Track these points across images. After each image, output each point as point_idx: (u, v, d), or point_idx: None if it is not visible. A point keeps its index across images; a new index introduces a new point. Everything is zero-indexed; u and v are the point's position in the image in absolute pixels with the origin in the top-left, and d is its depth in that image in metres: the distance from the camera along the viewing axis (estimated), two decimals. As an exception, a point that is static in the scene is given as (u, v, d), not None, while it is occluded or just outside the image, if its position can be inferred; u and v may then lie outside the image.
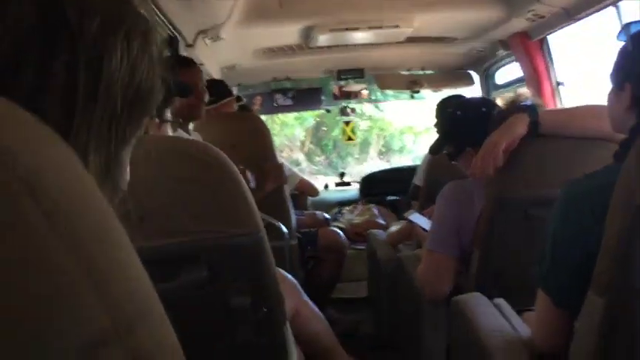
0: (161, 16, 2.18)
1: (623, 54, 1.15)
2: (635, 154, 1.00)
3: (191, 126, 2.37)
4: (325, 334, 1.74)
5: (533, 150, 1.61)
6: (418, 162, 3.68)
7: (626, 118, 1.13)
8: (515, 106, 1.69)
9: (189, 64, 2.22)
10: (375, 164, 7.08)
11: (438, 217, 1.81)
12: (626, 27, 1.17)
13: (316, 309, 1.74)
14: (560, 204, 1.14)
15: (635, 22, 1.22)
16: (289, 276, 1.74)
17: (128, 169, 0.55)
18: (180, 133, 2.06)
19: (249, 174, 2.22)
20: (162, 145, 0.95)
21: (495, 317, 1.35)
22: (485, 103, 1.96)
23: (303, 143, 7.99)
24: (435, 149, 2.03)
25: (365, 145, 7.88)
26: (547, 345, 1.19)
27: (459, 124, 1.91)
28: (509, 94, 2.02)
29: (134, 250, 0.35)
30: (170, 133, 1.25)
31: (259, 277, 1.00)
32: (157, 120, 1.18)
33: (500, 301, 1.47)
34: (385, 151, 7.99)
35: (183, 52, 2.56)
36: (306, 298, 1.73)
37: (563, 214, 1.13)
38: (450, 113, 1.96)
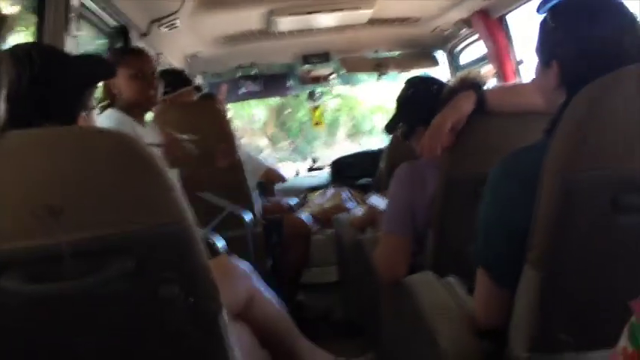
0: (107, 5, 2.13)
1: (545, 29, 1.14)
2: (561, 129, 1.00)
3: (150, 117, 2.33)
4: (282, 319, 1.73)
5: (480, 128, 1.60)
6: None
7: (556, 94, 1.12)
8: (463, 84, 1.68)
9: (140, 53, 2.18)
10: (344, 147, 6.76)
11: (391, 199, 1.81)
12: (544, 2, 1.16)
13: (272, 295, 1.74)
14: (490, 180, 1.14)
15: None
16: (242, 263, 1.73)
17: None
18: (130, 123, 2.03)
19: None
20: (77, 137, 0.93)
21: (443, 295, 1.36)
22: (436, 81, 1.95)
23: (265, 126, 7.48)
24: (389, 127, 2.02)
25: (334, 127, 7.45)
26: (488, 320, 1.19)
27: (410, 101, 1.90)
28: (467, 72, 2.01)
29: None
30: (97, 122, 1.23)
31: (188, 267, 0.98)
32: (84, 114, 1.15)
33: (452, 279, 1.47)
34: (355, 133, 7.61)
35: (138, 41, 2.52)
36: (260, 285, 1.72)
37: (494, 190, 1.13)
38: (403, 91, 1.95)
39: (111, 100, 2.06)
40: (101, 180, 0.92)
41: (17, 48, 1.16)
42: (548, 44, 1.13)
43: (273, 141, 7.43)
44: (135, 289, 0.97)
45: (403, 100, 1.93)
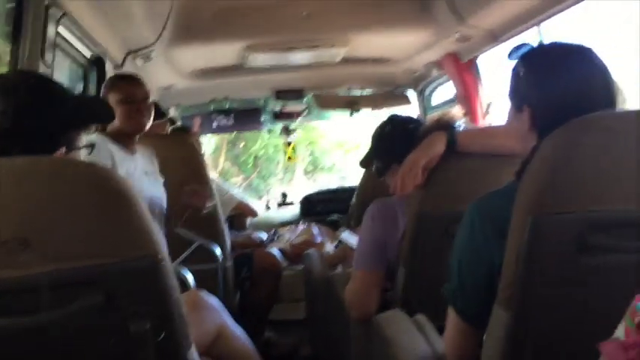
0: (84, 36, 2.13)
1: (516, 76, 1.18)
2: (530, 171, 1.03)
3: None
4: (249, 355, 1.71)
5: (452, 168, 1.64)
6: (347, 182, 3.70)
7: (528, 137, 1.16)
8: (438, 125, 1.72)
9: (132, 79, 2.17)
10: (302, 185, 6.50)
11: (363, 235, 1.82)
12: (515, 49, 1.21)
13: (239, 331, 1.71)
14: (464, 222, 1.16)
15: (522, 45, 1.26)
16: (211, 298, 1.71)
17: None
18: (108, 149, 2.00)
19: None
20: (49, 167, 0.92)
21: (412, 334, 1.36)
22: (413, 120, 1.98)
23: (215, 159, 6.91)
24: (363, 162, 2.05)
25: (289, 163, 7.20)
26: (458, 359, 1.19)
27: (386, 139, 1.93)
28: (440, 113, 2.05)
29: None
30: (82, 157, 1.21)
31: (159, 301, 0.97)
32: (62, 150, 1.13)
33: (420, 317, 1.48)
34: (312, 169, 7.20)
35: (112, 73, 2.51)
36: (228, 320, 1.70)
37: (467, 232, 1.15)
38: (379, 128, 1.98)
39: (102, 127, 2.04)
40: (73, 211, 0.91)
41: (16, 75, 1.15)
42: (519, 90, 1.17)
43: (224, 176, 6.95)
44: (105, 324, 0.95)
45: (379, 137, 1.95)
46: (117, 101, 2.03)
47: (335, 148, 7.32)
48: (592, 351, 1.03)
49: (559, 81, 1.11)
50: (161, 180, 2.21)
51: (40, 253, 0.89)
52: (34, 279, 0.89)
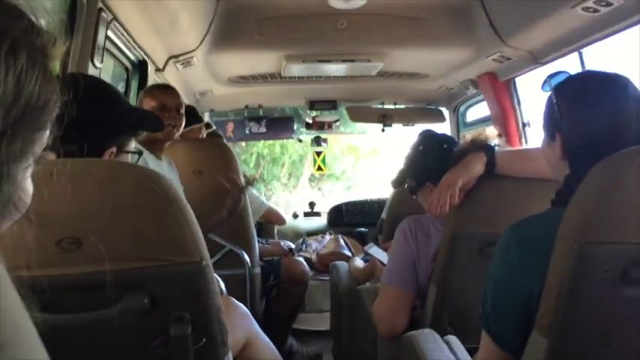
0: (130, 40, 2.18)
1: (550, 106, 1.18)
2: (577, 199, 1.02)
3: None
4: (276, 362, 1.72)
5: (489, 189, 1.63)
6: (353, 192, 3.69)
7: (561, 166, 1.16)
8: (473, 145, 1.72)
9: (167, 88, 2.22)
10: (306, 194, 6.04)
11: (394, 251, 1.82)
12: (548, 79, 1.21)
13: (267, 340, 1.72)
14: (500, 247, 1.16)
15: (557, 73, 1.26)
16: (241, 306, 1.72)
17: (29, 190, 0.53)
18: (149, 157, 2.04)
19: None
20: (105, 170, 0.94)
21: (444, 354, 1.35)
22: (447, 139, 1.97)
23: None
24: (396, 182, 2.04)
25: (296, 166, 6.39)
26: (490, 383, 1.19)
27: (421, 158, 1.92)
28: (473, 133, 2.05)
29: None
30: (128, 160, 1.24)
31: (201, 307, 0.99)
32: (114, 150, 1.16)
33: (452, 337, 1.47)
34: (317, 177, 6.53)
35: (153, 76, 2.56)
36: (257, 328, 1.71)
37: (504, 257, 1.15)
38: (413, 146, 1.97)
39: None
40: (124, 214, 0.94)
41: (74, 74, 1.18)
42: (552, 118, 1.17)
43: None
44: (148, 326, 0.97)
45: (413, 156, 1.94)
46: (151, 108, 2.07)
47: (346, 153, 6.82)
48: (630, 384, 1.02)
49: (590, 111, 1.11)
50: (182, 187, 2.24)
51: (92, 253, 0.92)
52: (84, 278, 0.92)
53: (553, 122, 1.18)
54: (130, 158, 1.24)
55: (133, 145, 1.23)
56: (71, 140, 1.06)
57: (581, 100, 1.13)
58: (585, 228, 0.98)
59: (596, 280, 0.99)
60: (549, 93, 1.21)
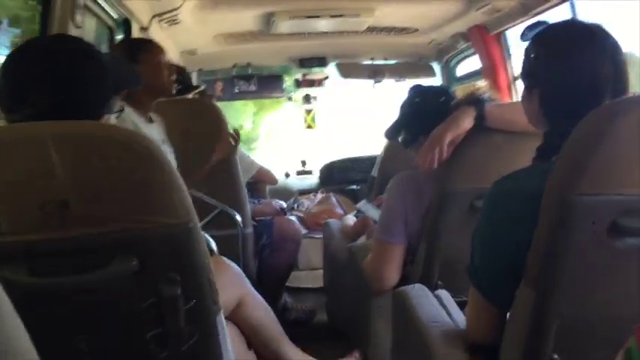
0: (112, -2, 2.13)
1: (528, 57, 1.16)
2: (565, 152, 1.02)
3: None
4: (270, 323, 1.73)
5: (479, 143, 1.63)
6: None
7: (542, 120, 1.16)
8: (470, 99, 1.69)
9: (149, 46, 2.16)
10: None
11: (386, 207, 1.82)
12: (527, 30, 1.19)
13: (260, 298, 1.74)
14: (488, 200, 1.16)
15: (536, 24, 1.24)
16: (234, 265, 1.73)
17: None
18: (132, 118, 2.01)
19: None
20: (87, 132, 0.93)
21: (435, 308, 1.37)
22: (445, 93, 1.93)
23: None
24: (390, 134, 2.01)
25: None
26: (480, 337, 1.20)
27: (416, 111, 1.89)
28: (469, 86, 2.02)
29: None
30: (113, 119, 1.22)
31: (190, 268, 0.99)
32: (108, 116, 1.14)
33: (442, 292, 1.49)
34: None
35: (137, 35, 2.51)
36: (250, 287, 1.72)
37: (492, 211, 1.15)
38: (409, 99, 1.94)
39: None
40: (110, 177, 0.92)
41: (51, 40, 1.15)
42: (531, 71, 1.16)
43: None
44: (137, 288, 0.97)
45: (408, 109, 1.91)
46: (155, 63, 2.02)
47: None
48: (617, 334, 1.04)
49: (569, 66, 1.10)
50: (171, 149, 2.21)
51: (78, 216, 0.91)
52: (72, 241, 0.91)
53: (531, 76, 1.17)
54: (114, 119, 1.22)
55: (117, 105, 1.21)
56: (65, 117, 1.05)
57: (559, 54, 1.12)
58: (574, 180, 0.97)
59: (584, 232, 1.00)
60: (526, 46, 1.19)
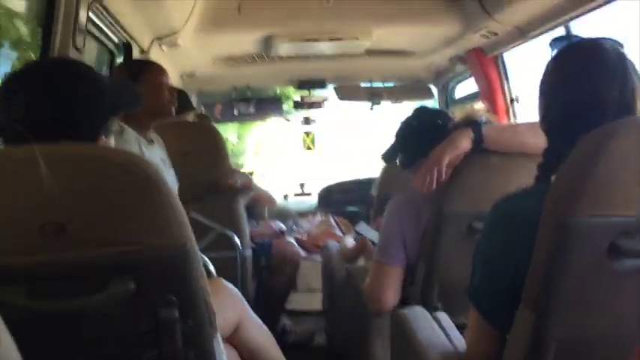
0: (113, 22, 2.15)
1: (545, 70, 1.17)
2: (562, 173, 1.02)
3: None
4: (269, 346, 1.72)
5: (476, 165, 1.63)
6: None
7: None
8: (467, 121, 1.70)
9: (150, 67, 2.17)
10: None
11: (384, 229, 1.82)
12: (553, 42, 1.19)
13: (259, 321, 1.73)
14: (488, 221, 1.16)
15: (562, 37, 1.24)
16: (233, 287, 1.72)
17: None
18: (136, 139, 2.01)
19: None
20: (86, 154, 0.93)
21: (434, 331, 1.36)
22: (441, 115, 1.94)
23: None
24: (387, 156, 2.02)
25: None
26: (479, 359, 1.19)
27: (413, 133, 1.90)
28: (466, 108, 2.03)
29: None
30: (112, 143, 1.23)
31: (187, 290, 0.98)
32: (104, 137, 1.15)
33: (441, 314, 1.49)
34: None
35: (138, 57, 2.53)
36: (249, 309, 1.71)
37: (491, 233, 1.15)
38: (406, 121, 1.95)
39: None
40: (107, 198, 0.92)
41: (52, 63, 1.16)
42: (540, 85, 1.16)
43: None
44: (135, 310, 0.97)
45: (405, 131, 1.92)
46: (155, 85, 2.03)
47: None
48: (616, 356, 1.03)
49: (570, 87, 1.10)
50: (172, 169, 2.22)
51: (75, 238, 0.91)
52: (68, 264, 0.91)
53: (540, 91, 1.17)
54: (112, 141, 1.23)
55: (115, 125, 1.22)
56: (61, 138, 1.06)
57: (564, 73, 1.12)
58: (570, 202, 0.97)
59: (582, 254, 0.99)
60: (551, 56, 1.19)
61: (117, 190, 0.93)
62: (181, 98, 2.57)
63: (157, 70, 2.10)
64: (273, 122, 6.14)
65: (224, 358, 1.09)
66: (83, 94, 1.10)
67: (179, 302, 0.98)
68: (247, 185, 2.59)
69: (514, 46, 2.91)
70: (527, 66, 3.32)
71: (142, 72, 2.06)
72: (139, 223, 0.94)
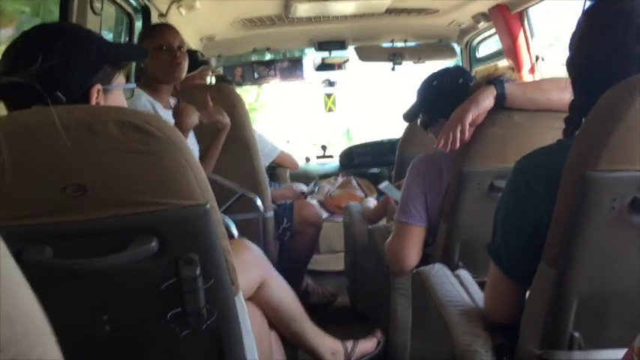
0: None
1: (577, 25, 1.14)
2: (584, 128, 1.00)
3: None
4: (292, 304, 1.75)
5: (499, 123, 1.60)
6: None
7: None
8: (489, 79, 1.67)
9: (165, 26, 2.16)
10: None
11: (406, 189, 1.82)
12: None
13: (282, 280, 1.75)
14: (510, 178, 1.15)
15: None
16: (255, 247, 1.74)
17: None
18: (150, 102, 2.03)
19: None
20: (106, 115, 0.94)
21: (454, 288, 1.37)
22: (463, 74, 1.90)
23: None
24: (409, 116, 2.00)
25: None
26: (499, 316, 1.20)
27: (435, 93, 1.87)
28: (489, 67, 1.99)
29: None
30: (124, 101, 1.23)
31: (208, 248, 1.00)
32: (99, 87, 1.15)
33: (462, 272, 1.49)
34: None
35: (156, 21, 2.52)
36: (272, 268, 1.73)
37: (513, 189, 1.14)
38: (428, 81, 1.92)
39: (137, 78, 2.06)
40: (127, 159, 0.93)
41: (41, 29, 1.17)
42: (575, 36, 1.13)
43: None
44: (157, 269, 0.99)
45: (426, 91, 1.90)
46: (152, 48, 2.01)
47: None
48: (636, 311, 1.03)
49: (595, 44, 1.07)
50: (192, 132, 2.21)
51: (97, 199, 0.93)
52: (92, 223, 0.93)
53: (569, 45, 1.14)
54: (122, 94, 1.24)
55: (122, 80, 1.22)
56: (52, 88, 1.06)
57: (589, 29, 1.09)
58: (592, 156, 0.96)
59: (603, 209, 0.98)
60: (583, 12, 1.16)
61: (137, 152, 0.94)
62: (192, 57, 2.56)
63: (155, 34, 2.10)
64: (294, 85, 6.16)
65: (246, 316, 1.10)
66: (64, 41, 1.11)
67: (201, 260, 0.99)
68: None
69: (539, 1, 2.82)
70: (552, 23, 3.24)
71: (143, 37, 2.09)
72: (159, 184, 0.96)
